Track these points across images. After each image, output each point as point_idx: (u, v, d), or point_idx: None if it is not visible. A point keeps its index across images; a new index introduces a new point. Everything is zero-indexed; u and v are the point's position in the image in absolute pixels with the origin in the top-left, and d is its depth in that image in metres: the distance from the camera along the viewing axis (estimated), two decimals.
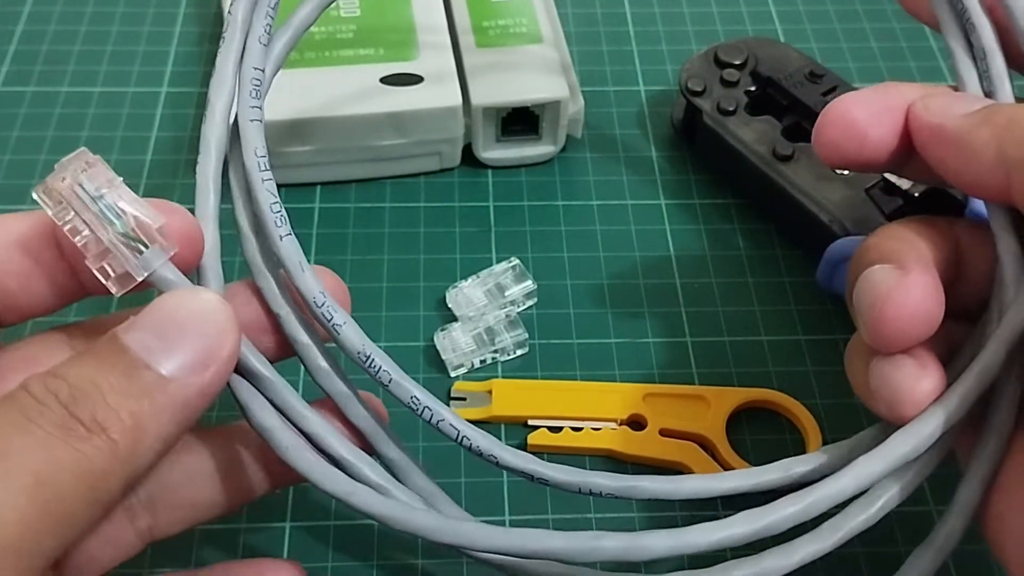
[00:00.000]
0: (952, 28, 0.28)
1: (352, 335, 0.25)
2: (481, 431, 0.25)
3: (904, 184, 0.35)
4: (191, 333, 0.21)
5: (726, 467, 0.31)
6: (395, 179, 0.39)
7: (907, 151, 0.25)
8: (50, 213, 0.21)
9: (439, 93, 0.37)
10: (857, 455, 0.23)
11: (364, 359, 0.25)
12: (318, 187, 0.38)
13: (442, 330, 0.33)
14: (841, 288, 0.34)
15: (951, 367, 0.24)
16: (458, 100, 0.37)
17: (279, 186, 0.38)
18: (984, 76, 0.27)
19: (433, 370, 0.33)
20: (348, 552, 0.29)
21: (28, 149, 0.39)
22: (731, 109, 0.37)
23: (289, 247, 0.25)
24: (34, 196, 0.21)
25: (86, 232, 0.21)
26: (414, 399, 0.25)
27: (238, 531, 0.29)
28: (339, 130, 0.37)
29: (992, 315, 0.24)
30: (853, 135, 0.25)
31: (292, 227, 0.37)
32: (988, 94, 0.26)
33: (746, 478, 0.24)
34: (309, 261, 0.37)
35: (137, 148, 0.39)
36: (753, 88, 0.39)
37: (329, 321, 0.25)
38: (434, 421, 0.25)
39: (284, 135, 0.36)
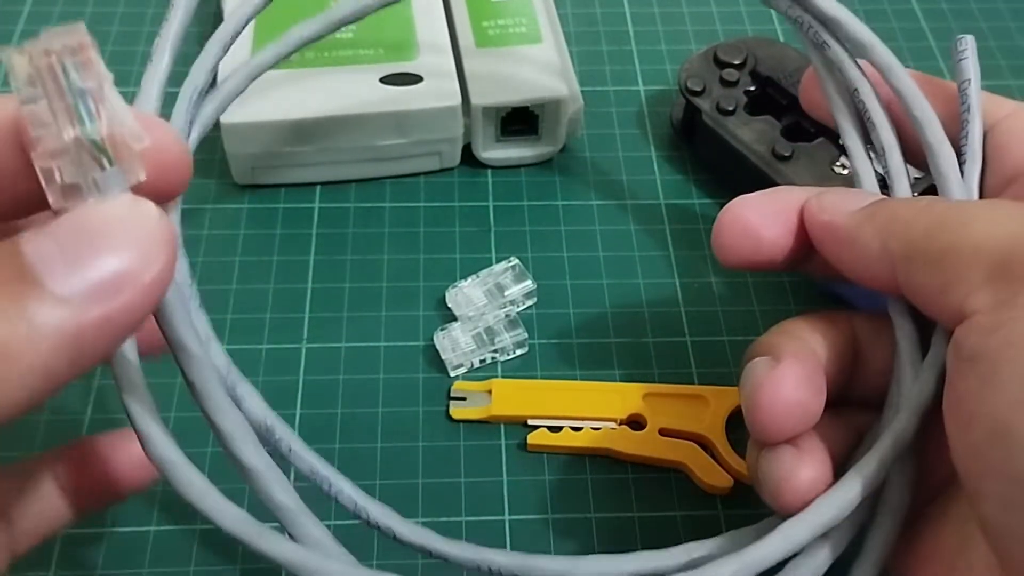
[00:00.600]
0: (849, 126, 0.29)
1: (255, 407, 0.24)
2: (379, 504, 0.24)
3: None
4: (106, 246, 0.17)
5: (726, 466, 0.31)
6: (395, 179, 0.39)
7: (805, 249, 0.26)
8: (14, 85, 0.17)
9: (439, 93, 0.37)
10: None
11: (265, 430, 0.24)
12: (318, 187, 0.38)
13: (442, 330, 0.33)
14: (840, 288, 0.34)
15: (857, 454, 0.24)
16: (458, 100, 0.37)
17: (279, 186, 0.38)
18: (885, 171, 0.28)
19: (433, 370, 0.33)
20: (348, 552, 0.29)
21: None
22: (730, 109, 0.37)
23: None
24: (1, 57, 0.17)
25: (48, 122, 0.17)
26: (314, 471, 0.24)
27: None
28: (339, 130, 0.37)
29: (892, 400, 0.25)
30: (748, 237, 0.26)
31: (292, 227, 0.37)
32: (886, 188, 0.27)
33: (647, 560, 0.23)
34: (309, 261, 0.37)
35: None
36: (752, 88, 0.39)
37: (234, 390, 0.24)
38: (332, 492, 0.25)
39: (284, 135, 0.36)
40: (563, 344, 0.34)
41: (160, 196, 0.19)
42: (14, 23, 0.44)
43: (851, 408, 0.26)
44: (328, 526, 0.29)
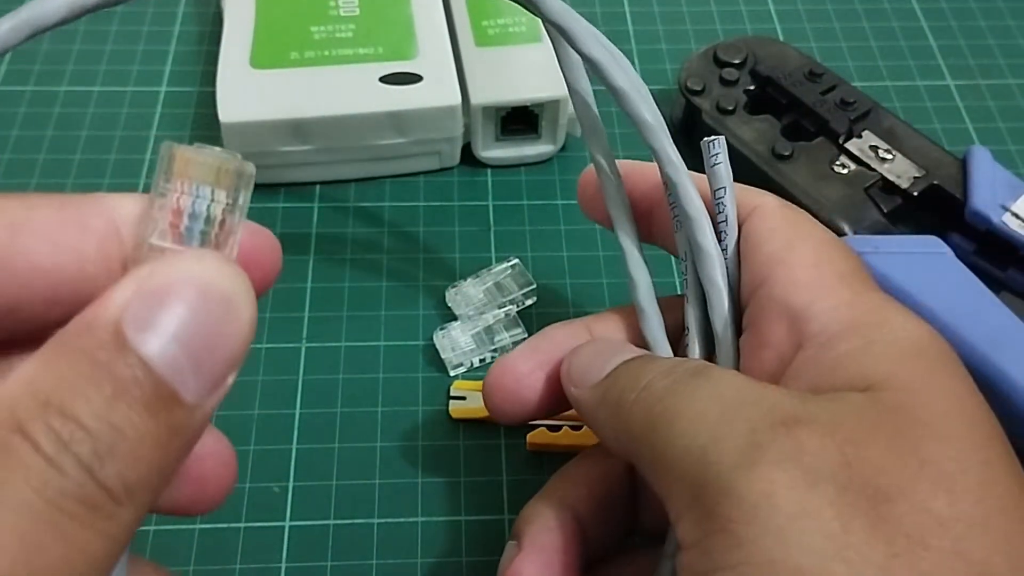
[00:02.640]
0: (626, 226, 0.27)
1: None
2: None
3: (903, 183, 0.35)
4: (219, 336, 0.16)
5: None
6: (394, 178, 0.39)
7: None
8: (161, 180, 0.17)
9: (438, 92, 0.37)
10: None
11: None
12: (318, 187, 0.38)
13: (441, 329, 0.33)
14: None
15: None
16: (457, 99, 0.37)
17: (279, 185, 0.38)
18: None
19: (432, 369, 0.33)
20: (348, 552, 0.29)
21: (27, 148, 0.39)
22: (730, 108, 0.37)
23: None
24: (170, 152, 0.17)
25: (168, 206, 0.17)
26: None
27: (238, 531, 0.29)
28: (338, 129, 0.37)
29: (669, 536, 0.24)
30: (512, 398, 0.26)
31: (292, 226, 0.37)
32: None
33: None
34: (308, 260, 0.37)
35: (136, 147, 0.39)
36: (752, 87, 0.39)
37: None
38: None
39: (284, 134, 0.36)
40: None
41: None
42: None
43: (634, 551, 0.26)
44: (326, 525, 0.30)
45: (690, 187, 0.24)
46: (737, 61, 0.39)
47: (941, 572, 0.17)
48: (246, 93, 0.36)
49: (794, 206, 0.25)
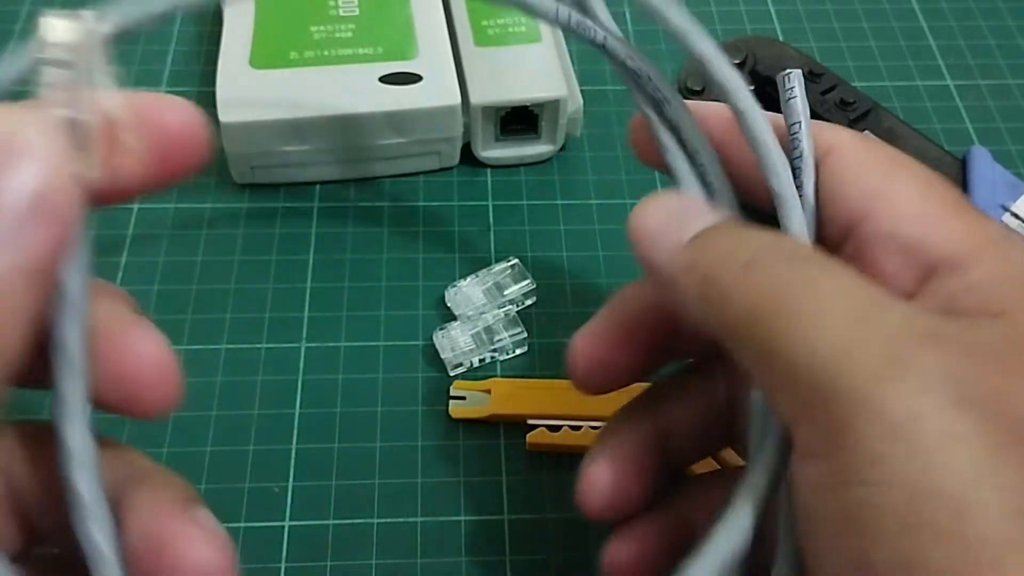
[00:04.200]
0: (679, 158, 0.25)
1: None
2: None
3: None
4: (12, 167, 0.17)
5: (724, 464, 0.31)
6: (394, 178, 0.39)
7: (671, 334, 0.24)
8: (51, 45, 0.18)
9: (438, 92, 0.37)
10: None
11: None
12: (317, 186, 0.38)
13: (441, 329, 0.33)
14: None
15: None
16: (457, 99, 0.37)
17: (278, 185, 0.38)
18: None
19: (432, 369, 0.33)
20: (348, 552, 0.29)
21: None
22: None
23: None
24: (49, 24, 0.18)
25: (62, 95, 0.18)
26: None
27: (238, 531, 0.29)
28: (338, 129, 0.37)
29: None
30: (604, 373, 0.25)
31: (291, 226, 0.37)
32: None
33: None
34: (308, 260, 0.37)
35: None
36: (752, 87, 0.38)
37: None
38: None
39: (283, 134, 0.36)
40: (562, 344, 0.34)
41: (169, 174, 0.19)
42: (14, 23, 0.44)
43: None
44: (326, 525, 0.30)
45: (761, 121, 0.23)
46: (737, 61, 0.39)
47: None
48: (246, 93, 0.36)
49: (874, 138, 0.24)
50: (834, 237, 0.22)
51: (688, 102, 0.25)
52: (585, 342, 0.25)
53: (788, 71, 0.24)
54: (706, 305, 0.20)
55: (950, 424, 0.17)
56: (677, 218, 0.22)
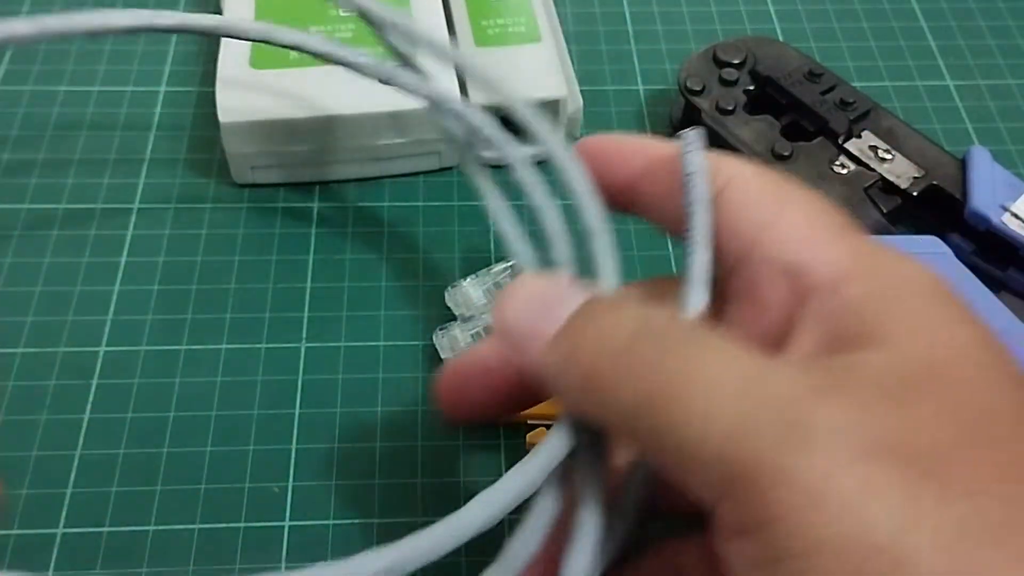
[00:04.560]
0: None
1: None
2: None
3: (903, 183, 0.35)
4: None
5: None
6: (394, 178, 0.39)
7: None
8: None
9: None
10: None
11: None
12: (317, 187, 0.38)
13: (441, 329, 0.33)
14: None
15: None
16: (457, 99, 0.37)
17: (278, 185, 0.38)
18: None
19: (432, 369, 0.33)
20: (348, 552, 0.29)
21: (27, 148, 0.39)
22: (730, 108, 0.37)
23: None
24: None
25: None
26: None
27: (238, 531, 0.29)
28: (338, 129, 0.37)
29: None
30: (465, 400, 0.25)
31: (291, 226, 0.37)
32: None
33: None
34: (308, 260, 0.37)
35: (136, 147, 0.39)
36: (752, 87, 0.39)
37: None
38: None
39: (283, 135, 0.36)
40: None
41: None
42: None
43: None
44: (326, 525, 0.30)
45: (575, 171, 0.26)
46: (737, 61, 0.39)
47: (1019, 516, 0.17)
48: (246, 93, 0.36)
49: (770, 170, 0.24)
50: (728, 268, 0.23)
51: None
52: (448, 376, 0.25)
53: (688, 130, 0.24)
54: (590, 402, 0.20)
55: (863, 477, 0.16)
56: (539, 308, 0.21)
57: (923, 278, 0.20)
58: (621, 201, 0.26)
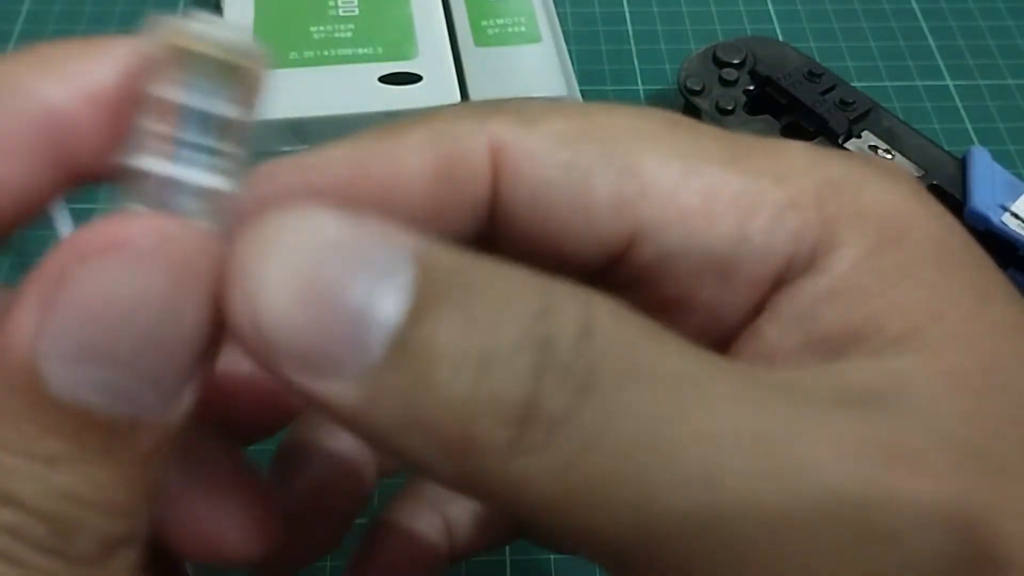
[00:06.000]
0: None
1: None
2: None
3: None
4: (159, 351, 0.11)
5: None
6: None
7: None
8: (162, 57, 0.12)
9: (438, 92, 0.37)
10: None
11: None
12: None
13: None
14: None
15: None
16: (456, 99, 0.37)
17: None
18: None
19: None
20: (348, 552, 0.29)
21: None
22: (730, 108, 0.37)
23: None
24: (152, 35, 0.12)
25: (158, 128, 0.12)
26: None
27: None
28: (338, 129, 0.37)
29: None
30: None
31: None
32: None
33: None
34: None
35: None
36: (752, 87, 0.39)
37: None
38: None
39: (283, 134, 0.36)
40: None
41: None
42: (13, 22, 0.44)
43: None
44: None
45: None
46: (736, 61, 0.39)
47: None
48: None
49: (535, 115, 0.15)
50: (650, 276, 0.15)
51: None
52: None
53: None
54: (460, 480, 0.12)
55: None
56: (334, 297, 0.11)
57: (917, 221, 0.14)
58: None
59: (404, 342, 0.11)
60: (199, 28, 0.12)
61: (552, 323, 0.11)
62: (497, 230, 0.15)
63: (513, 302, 0.11)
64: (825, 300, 0.14)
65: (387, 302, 0.11)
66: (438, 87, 0.37)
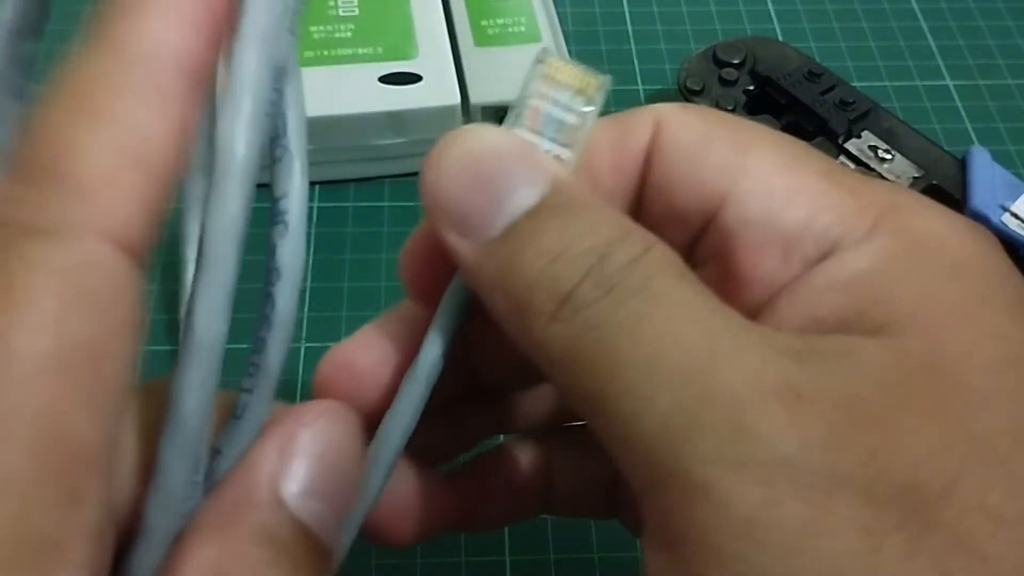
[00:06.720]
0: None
1: None
2: None
3: (903, 183, 0.35)
4: (348, 486, 0.17)
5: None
6: (394, 178, 0.39)
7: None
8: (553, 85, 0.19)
9: (438, 92, 0.37)
10: None
11: None
12: (317, 186, 0.38)
13: None
14: None
15: None
16: (457, 99, 0.37)
17: None
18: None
19: None
20: (348, 552, 0.29)
21: None
22: (730, 108, 0.37)
23: None
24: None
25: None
26: None
27: None
28: (338, 129, 0.37)
29: None
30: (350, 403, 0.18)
31: None
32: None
33: None
34: (308, 261, 0.37)
35: None
36: (752, 87, 0.39)
37: None
38: None
39: None
40: None
41: None
42: None
43: None
44: None
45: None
46: (736, 61, 0.39)
47: None
48: None
49: (700, 106, 0.20)
50: (684, 237, 0.18)
51: None
52: (334, 364, 0.21)
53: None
54: (516, 332, 0.16)
55: (812, 513, 0.13)
56: (481, 186, 0.16)
57: (968, 249, 0.16)
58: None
59: (516, 228, 0.16)
60: (567, 65, 0.19)
61: (615, 248, 0.15)
62: (642, 188, 0.19)
63: (597, 227, 0.16)
64: (833, 288, 0.16)
65: (518, 199, 0.16)
66: (438, 87, 0.37)
